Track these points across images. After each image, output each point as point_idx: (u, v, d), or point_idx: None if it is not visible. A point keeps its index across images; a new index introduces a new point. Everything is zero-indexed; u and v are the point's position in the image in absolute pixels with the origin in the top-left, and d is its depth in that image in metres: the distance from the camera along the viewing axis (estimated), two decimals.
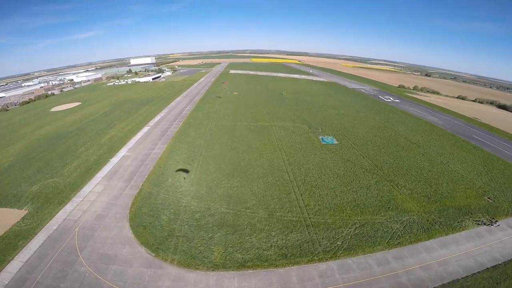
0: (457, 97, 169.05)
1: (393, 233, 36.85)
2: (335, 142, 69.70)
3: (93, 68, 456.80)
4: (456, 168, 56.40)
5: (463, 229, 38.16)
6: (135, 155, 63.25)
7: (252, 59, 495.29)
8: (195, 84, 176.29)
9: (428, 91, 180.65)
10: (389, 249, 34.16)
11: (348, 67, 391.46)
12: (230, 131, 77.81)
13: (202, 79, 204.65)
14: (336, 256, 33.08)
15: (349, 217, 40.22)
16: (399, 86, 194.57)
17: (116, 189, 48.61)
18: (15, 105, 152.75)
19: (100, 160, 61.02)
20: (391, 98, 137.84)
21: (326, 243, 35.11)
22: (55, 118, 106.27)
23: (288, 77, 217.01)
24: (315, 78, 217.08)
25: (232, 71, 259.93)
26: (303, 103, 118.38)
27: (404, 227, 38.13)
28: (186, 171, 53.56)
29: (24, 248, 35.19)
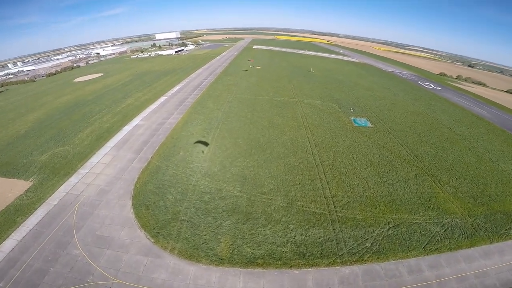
0: (506, 91, 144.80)
1: (432, 237, 30.04)
2: (369, 125, 60.34)
3: (120, 43, 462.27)
4: (507, 168, 45.32)
5: (510, 238, 30.69)
6: (148, 124, 58.67)
7: (276, 36, 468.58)
8: (218, 57, 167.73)
9: (473, 82, 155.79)
10: (424, 255, 27.90)
11: (382, 51, 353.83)
12: (250, 105, 70.21)
13: (224, 53, 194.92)
14: (362, 260, 26.93)
15: (383, 214, 32.89)
16: (440, 74, 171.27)
17: (124, 161, 44.20)
18: (42, 76, 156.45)
19: (112, 128, 57.39)
20: (432, 85, 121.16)
21: (353, 244, 28.61)
22: (76, 88, 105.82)
23: (316, 55, 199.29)
24: (346, 58, 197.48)
25: (255, 47, 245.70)
26: (333, 81, 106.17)
27: (444, 231, 30.95)
28: (205, 143, 47.66)
29: (21, 225, 32.33)
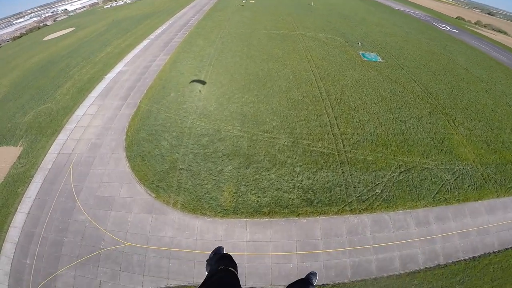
0: None
1: (442, 185, 26.78)
2: (380, 59, 54.50)
3: None
4: None
5: None
6: (132, 69, 51.98)
7: None
8: None
9: (493, 29, 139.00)
10: (433, 206, 25.40)
11: None
12: (246, 39, 61.95)
13: None
14: (372, 208, 24.35)
15: (394, 155, 29.18)
16: (458, 18, 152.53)
17: (112, 109, 39.47)
18: (8, 41, 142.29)
19: (93, 78, 51.19)
20: (448, 27, 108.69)
21: (363, 190, 25.61)
22: (48, 46, 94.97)
23: None
24: None
25: None
26: (338, 15, 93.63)
27: (455, 179, 27.51)
28: (202, 82, 42.31)
29: (24, 196, 29.78)
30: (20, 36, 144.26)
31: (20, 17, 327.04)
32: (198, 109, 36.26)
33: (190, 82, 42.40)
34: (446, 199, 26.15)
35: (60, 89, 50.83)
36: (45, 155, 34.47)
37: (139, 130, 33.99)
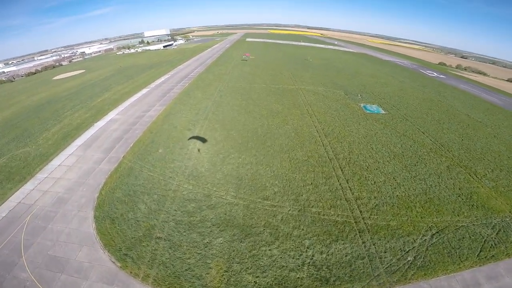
0: (507, 80, 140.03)
1: (484, 242, 23.65)
2: (382, 111, 54.25)
3: (108, 42, 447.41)
4: None
5: None
6: (125, 118, 50.22)
7: (269, 30, 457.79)
8: (208, 50, 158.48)
9: (472, 71, 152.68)
10: (480, 265, 21.80)
11: (376, 43, 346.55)
12: (245, 93, 62.25)
13: (216, 45, 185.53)
14: (405, 279, 20.19)
15: (421, 217, 25.96)
16: (440, 64, 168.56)
17: (91, 162, 36.05)
18: (22, 76, 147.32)
19: (83, 125, 48.97)
20: (435, 74, 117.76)
21: (391, 259, 21.57)
22: (53, 85, 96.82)
23: (311, 46, 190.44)
24: (342, 49, 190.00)
25: (248, 39, 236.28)
26: (334, 69, 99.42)
27: (497, 233, 24.61)
28: (202, 139, 39.44)
29: None
30: (35, 73, 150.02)
31: (43, 55, 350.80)
32: (187, 169, 32.75)
33: (188, 139, 39.42)
34: (493, 255, 22.32)
35: (46, 132, 48.29)
36: (3, 203, 30.18)
37: (116, 189, 30.07)
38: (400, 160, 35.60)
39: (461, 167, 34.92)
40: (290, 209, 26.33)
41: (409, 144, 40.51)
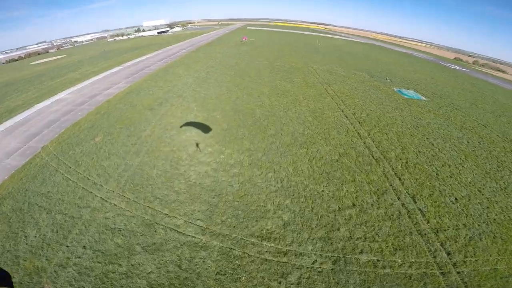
0: None
1: None
2: (423, 98, 42.58)
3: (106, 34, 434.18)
4: None
5: None
6: (74, 97, 37.13)
7: (274, 22, 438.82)
8: (204, 34, 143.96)
9: (491, 68, 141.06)
10: None
11: (381, 38, 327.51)
12: (240, 69, 49.17)
13: (213, 32, 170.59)
14: None
15: None
16: (455, 59, 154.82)
17: (0, 154, 23.29)
18: (2, 64, 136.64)
19: (21, 106, 36.46)
20: (457, 67, 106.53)
21: None
22: (24, 69, 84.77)
23: (319, 35, 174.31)
24: (351, 39, 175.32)
25: (250, 28, 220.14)
26: (348, 55, 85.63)
27: None
28: (204, 128, 25.61)
29: None
30: (17, 60, 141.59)
31: (38, 44, 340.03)
32: (128, 171, 19.60)
33: (181, 127, 25.58)
34: None
35: None
36: None
37: (6, 199, 17.50)
38: (475, 163, 22.96)
39: None
40: (316, 259, 13.29)
41: (475, 139, 28.04)
